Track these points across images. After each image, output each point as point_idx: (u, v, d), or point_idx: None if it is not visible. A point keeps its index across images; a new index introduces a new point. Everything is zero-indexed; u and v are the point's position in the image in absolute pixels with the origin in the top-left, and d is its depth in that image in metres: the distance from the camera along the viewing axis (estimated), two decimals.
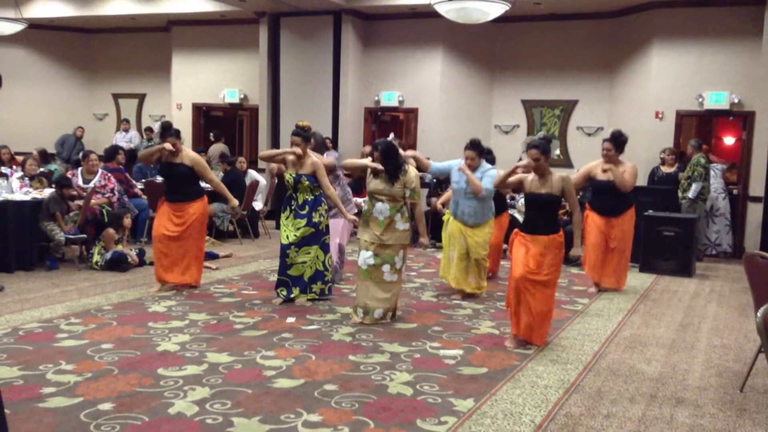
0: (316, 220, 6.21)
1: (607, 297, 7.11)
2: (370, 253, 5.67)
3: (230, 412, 3.80)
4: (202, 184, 6.91)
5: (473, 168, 6.53)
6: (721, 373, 4.78)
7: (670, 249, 8.44)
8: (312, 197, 6.22)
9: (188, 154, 6.66)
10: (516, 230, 5.32)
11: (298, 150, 6.12)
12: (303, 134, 6.20)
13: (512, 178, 5.36)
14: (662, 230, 8.47)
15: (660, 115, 10.42)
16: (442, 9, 8.42)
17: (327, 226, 6.35)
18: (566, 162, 11.47)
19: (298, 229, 6.17)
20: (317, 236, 6.24)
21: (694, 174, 9.25)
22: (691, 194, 9.23)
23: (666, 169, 9.96)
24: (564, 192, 5.15)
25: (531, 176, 5.24)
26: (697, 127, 12.31)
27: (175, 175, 6.57)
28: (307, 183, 6.15)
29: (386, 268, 5.68)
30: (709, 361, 5.07)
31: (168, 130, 6.67)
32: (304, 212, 6.18)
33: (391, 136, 8.58)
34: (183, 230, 6.54)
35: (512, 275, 5.16)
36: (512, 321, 5.24)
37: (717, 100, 9.97)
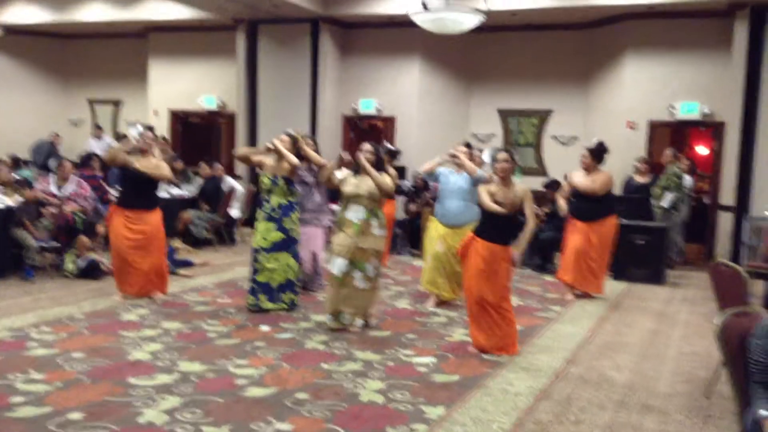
0: (287, 226, 6.19)
1: (579, 305, 7.18)
2: (342, 260, 5.67)
3: (201, 421, 3.80)
4: (176, 191, 6.84)
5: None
6: (689, 380, 4.86)
7: (641, 257, 8.56)
8: (286, 202, 6.22)
9: (155, 161, 6.57)
10: (471, 235, 5.33)
11: (277, 142, 6.13)
12: (292, 137, 6.29)
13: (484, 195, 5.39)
14: (634, 238, 8.59)
15: (632, 125, 10.56)
16: (419, 19, 8.48)
17: (299, 235, 6.33)
18: (542, 170, 11.57)
19: (270, 232, 6.16)
20: (288, 243, 6.21)
21: (670, 184, 9.37)
22: (665, 203, 9.35)
23: (640, 179, 10.07)
24: (523, 202, 5.21)
25: (494, 187, 5.28)
26: (672, 137, 12.48)
27: (139, 180, 6.44)
28: (282, 185, 6.16)
29: (357, 275, 5.67)
30: (678, 368, 5.15)
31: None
32: (276, 216, 6.17)
33: (385, 143, 8.55)
34: (144, 238, 6.45)
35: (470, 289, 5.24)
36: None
37: (689, 110, 10.13)
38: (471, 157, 6.71)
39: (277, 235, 6.16)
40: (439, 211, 6.77)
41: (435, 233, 6.78)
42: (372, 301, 5.88)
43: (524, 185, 5.34)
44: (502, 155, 5.28)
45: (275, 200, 6.20)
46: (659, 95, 10.40)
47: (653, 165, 10.22)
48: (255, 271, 6.22)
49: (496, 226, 5.21)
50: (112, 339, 5.30)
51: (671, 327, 6.40)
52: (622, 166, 10.51)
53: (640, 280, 8.51)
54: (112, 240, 6.54)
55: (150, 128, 6.63)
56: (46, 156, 13.39)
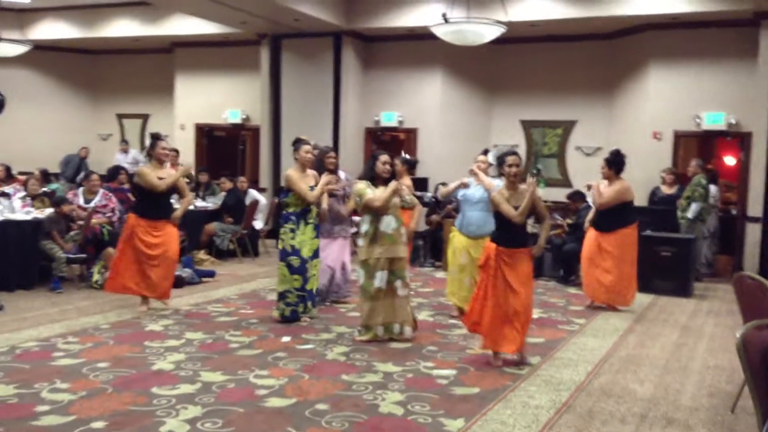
0: (281, 236, 6.34)
1: (603, 317, 7.12)
2: (384, 272, 5.73)
3: (221, 431, 3.83)
4: (200, 203, 6.94)
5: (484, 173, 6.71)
6: (714, 394, 4.79)
7: (667, 269, 8.46)
8: (301, 210, 6.33)
9: (169, 171, 6.70)
10: (494, 245, 5.28)
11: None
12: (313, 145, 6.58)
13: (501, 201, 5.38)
14: (660, 250, 8.50)
15: (658, 136, 10.48)
16: (439, 31, 8.53)
17: (292, 246, 6.25)
18: (565, 182, 11.51)
19: (313, 240, 6.42)
20: (281, 253, 6.33)
21: (695, 194, 9.27)
22: (690, 214, 9.25)
23: (666, 190, 9.99)
24: (533, 202, 5.17)
25: (506, 193, 5.25)
26: (699, 147, 12.35)
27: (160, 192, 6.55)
28: (291, 198, 6.33)
29: (399, 284, 5.77)
30: (702, 381, 5.08)
31: (157, 139, 6.64)
32: (312, 221, 6.44)
33: (403, 153, 8.60)
34: (162, 248, 6.54)
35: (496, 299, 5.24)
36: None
37: (714, 120, 10.02)
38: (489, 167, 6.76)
39: (317, 243, 6.46)
40: (461, 222, 6.77)
41: (459, 245, 6.77)
42: (410, 306, 5.98)
43: (529, 183, 5.24)
44: (511, 158, 5.26)
45: (291, 210, 6.40)
46: (684, 105, 10.31)
47: (679, 176, 10.13)
48: (306, 281, 6.43)
49: (513, 230, 5.21)
50: (137, 349, 5.37)
51: (696, 340, 6.32)
52: (647, 176, 10.44)
53: (665, 293, 8.40)
54: (124, 242, 6.56)
55: (158, 137, 6.71)
56: (75, 170, 13.67)
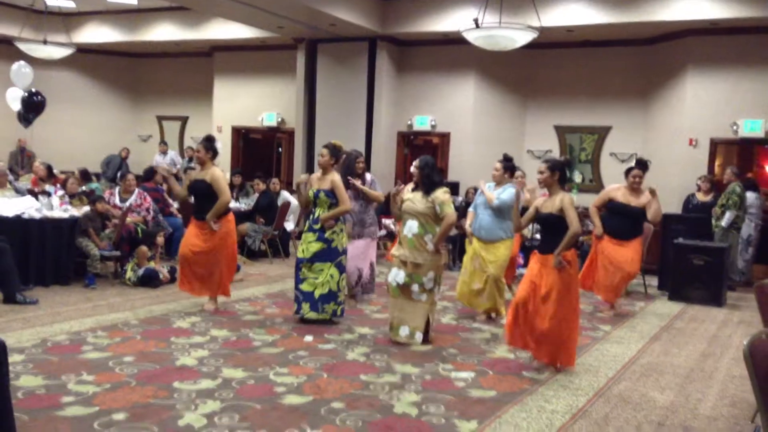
0: (328, 236, 6.28)
1: (630, 324, 7.05)
2: (399, 271, 5.77)
3: (237, 425, 3.92)
4: (233, 204, 7.00)
5: (496, 179, 6.75)
6: (735, 404, 4.72)
7: (700, 278, 8.33)
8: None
9: (211, 171, 6.67)
10: (534, 252, 5.39)
11: (304, 177, 6.39)
12: (331, 149, 6.40)
13: (530, 210, 5.46)
14: (692, 258, 8.37)
15: (694, 143, 10.32)
16: (471, 36, 8.54)
17: (344, 247, 6.42)
18: (599, 187, 11.38)
19: (310, 243, 6.29)
20: (330, 254, 6.29)
21: (729, 202, 9.11)
22: (724, 222, 9.09)
23: (701, 197, 9.82)
24: (562, 208, 5.17)
25: (541, 199, 5.32)
26: (739, 155, 12.11)
27: (198, 192, 6.68)
28: (324, 198, 6.29)
29: (415, 287, 5.73)
30: (725, 391, 5.01)
31: (210, 141, 6.79)
32: (317, 227, 6.31)
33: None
34: (209, 247, 6.63)
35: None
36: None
37: (752, 128, 9.84)
38: (511, 176, 6.79)
39: (317, 246, 6.28)
40: (473, 224, 6.82)
41: (473, 249, 6.80)
42: (430, 314, 5.87)
43: (566, 193, 5.28)
44: (541, 166, 5.29)
45: (318, 212, 6.35)
46: (721, 112, 10.14)
47: (715, 183, 9.95)
48: (299, 281, 6.36)
49: (545, 236, 5.23)
50: (163, 345, 5.51)
51: (723, 349, 6.22)
52: (682, 183, 10.30)
53: (697, 302, 8.28)
54: (180, 248, 6.83)
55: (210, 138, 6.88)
56: (116, 169, 14.01)
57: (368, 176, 7.43)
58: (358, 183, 6.88)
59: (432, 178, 5.76)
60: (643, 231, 7.57)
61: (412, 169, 5.91)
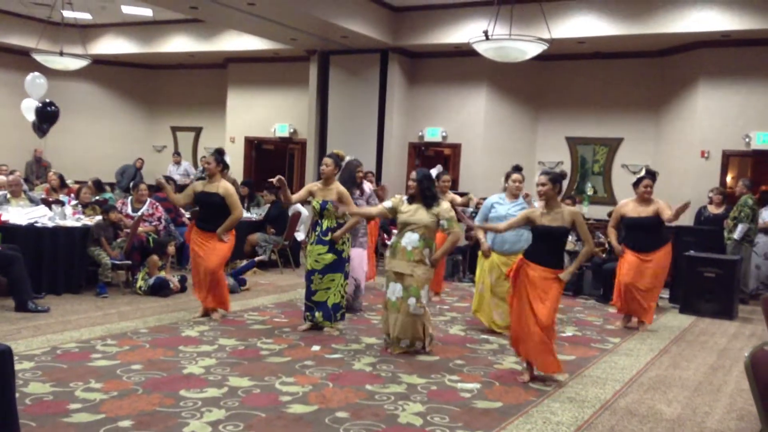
0: (338, 247, 6.34)
1: (639, 337, 7.01)
2: (396, 284, 5.77)
3: None
4: (246, 214, 7.05)
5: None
6: (743, 417, 4.68)
7: (711, 290, 8.27)
8: (336, 224, 6.38)
9: (224, 184, 6.77)
10: (522, 258, 5.32)
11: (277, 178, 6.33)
12: (335, 158, 6.47)
13: (518, 218, 5.46)
14: (703, 271, 8.31)
15: (706, 155, 10.27)
16: (481, 48, 8.57)
17: (349, 253, 6.50)
18: (610, 199, 11.36)
19: (320, 255, 6.33)
20: (341, 264, 6.37)
21: (741, 215, 9.05)
22: (736, 235, 9.04)
23: (713, 210, 9.78)
24: (575, 224, 5.18)
25: (538, 210, 5.29)
26: (753, 168, 12.04)
27: (210, 204, 6.73)
28: (332, 209, 6.32)
29: (412, 301, 5.72)
30: (733, 404, 4.97)
31: (221, 154, 6.88)
32: (326, 239, 6.34)
33: (438, 167, 8.56)
34: (208, 256, 6.69)
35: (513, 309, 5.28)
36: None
37: (765, 140, 9.78)
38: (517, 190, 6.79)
39: (330, 257, 6.32)
40: (494, 240, 6.77)
41: (491, 262, 6.78)
42: (427, 326, 5.89)
43: (574, 208, 5.30)
44: (542, 178, 5.25)
45: (326, 223, 6.38)
46: (734, 124, 10.10)
47: (727, 196, 9.89)
48: (311, 292, 6.39)
49: (547, 248, 5.21)
50: (171, 353, 5.54)
51: (733, 363, 6.16)
52: (694, 196, 10.21)
53: (708, 315, 8.22)
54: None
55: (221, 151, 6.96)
56: (130, 179, 14.11)
57: (367, 187, 7.50)
58: (345, 209, 6.64)
59: (432, 190, 5.79)
60: (667, 240, 7.37)
61: (410, 182, 5.93)
